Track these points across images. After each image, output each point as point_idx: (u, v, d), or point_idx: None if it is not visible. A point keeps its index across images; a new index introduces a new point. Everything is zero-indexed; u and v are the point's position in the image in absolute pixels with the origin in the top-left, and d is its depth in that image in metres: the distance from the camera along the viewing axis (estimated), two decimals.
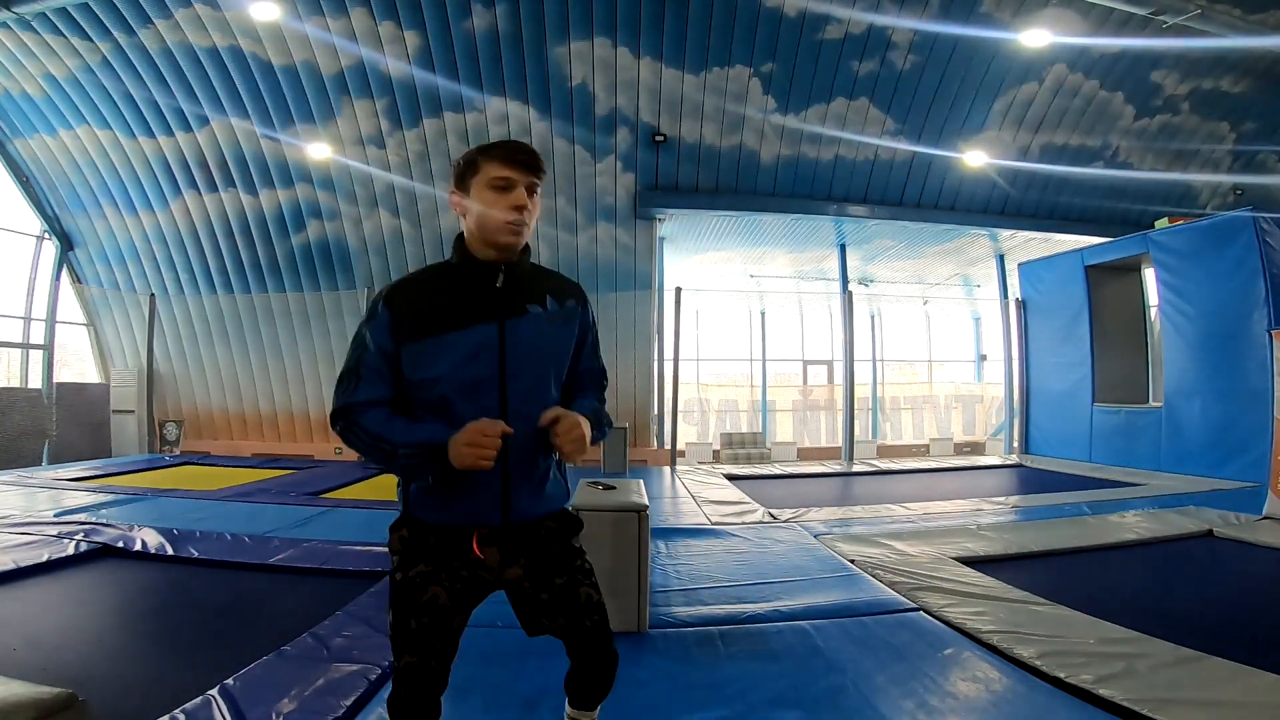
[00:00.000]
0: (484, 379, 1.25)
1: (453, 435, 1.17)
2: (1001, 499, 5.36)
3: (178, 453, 8.77)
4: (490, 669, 2.08)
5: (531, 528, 1.34)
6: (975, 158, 8.40)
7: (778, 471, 7.44)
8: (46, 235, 8.97)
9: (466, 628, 1.35)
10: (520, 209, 1.22)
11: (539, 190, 1.28)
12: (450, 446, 1.17)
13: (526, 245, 1.32)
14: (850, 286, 9.79)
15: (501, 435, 1.17)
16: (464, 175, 1.26)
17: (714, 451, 9.94)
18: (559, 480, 1.40)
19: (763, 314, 13.86)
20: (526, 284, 1.31)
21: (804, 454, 10.36)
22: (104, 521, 4.16)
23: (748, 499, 5.33)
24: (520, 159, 1.23)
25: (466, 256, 1.29)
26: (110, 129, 8.00)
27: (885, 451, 10.21)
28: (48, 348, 8.80)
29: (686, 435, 10.01)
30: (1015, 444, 8.76)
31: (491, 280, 1.27)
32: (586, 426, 1.26)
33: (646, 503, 2.54)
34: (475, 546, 1.28)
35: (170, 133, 7.91)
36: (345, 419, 1.26)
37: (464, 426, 1.17)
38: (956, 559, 3.35)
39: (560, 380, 1.36)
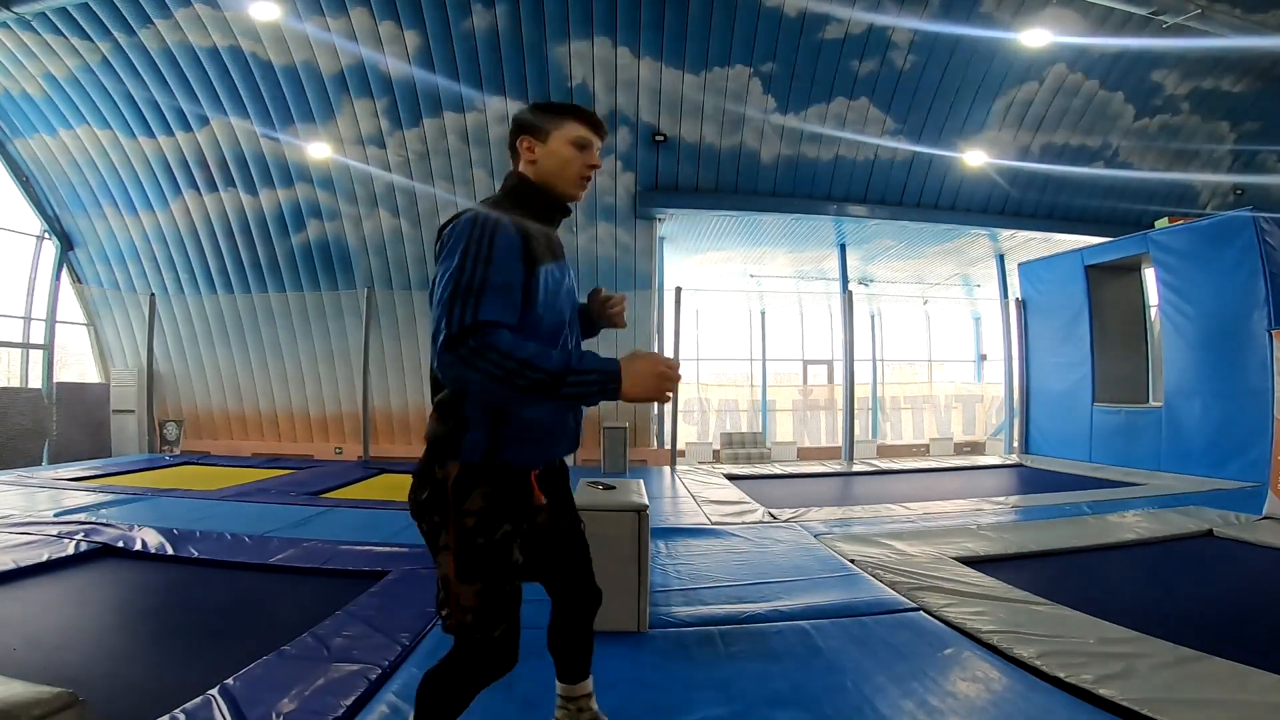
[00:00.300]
0: (571, 308, 1.36)
1: (623, 362, 1.13)
2: (1001, 499, 5.36)
3: (178, 452, 8.77)
4: None
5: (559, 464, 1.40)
6: (975, 157, 8.40)
7: (778, 471, 7.44)
8: (46, 235, 8.97)
9: None
10: (594, 166, 1.35)
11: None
12: (629, 375, 1.11)
13: None
14: (850, 286, 9.79)
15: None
16: (543, 126, 1.33)
17: (714, 451, 9.95)
18: None
19: (763, 314, 13.87)
20: None
21: (804, 454, 10.36)
22: (104, 521, 4.16)
23: (748, 499, 5.33)
24: (599, 127, 1.37)
25: (548, 196, 1.35)
26: (110, 129, 8.00)
27: (885, 451, 10.22)
28: (48, 348, 8.80)
29: (686, 435, 10.01)
30: (1015, 444, 8.76)
31: (558, 224, 1.40)
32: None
33: (646, 502, 2.54)
34: (536, 489, 1.29)
35: (170, 132, 7.92)
36: (475, 339, 1.08)
37: (634, 354, 1.14)
38: (956, 559, 3.35)
39: None
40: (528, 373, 1.08)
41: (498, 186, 1.39)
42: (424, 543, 1.30)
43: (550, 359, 1.10)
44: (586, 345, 1.50)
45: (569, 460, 1.51)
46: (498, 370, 1.08)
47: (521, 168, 1.36)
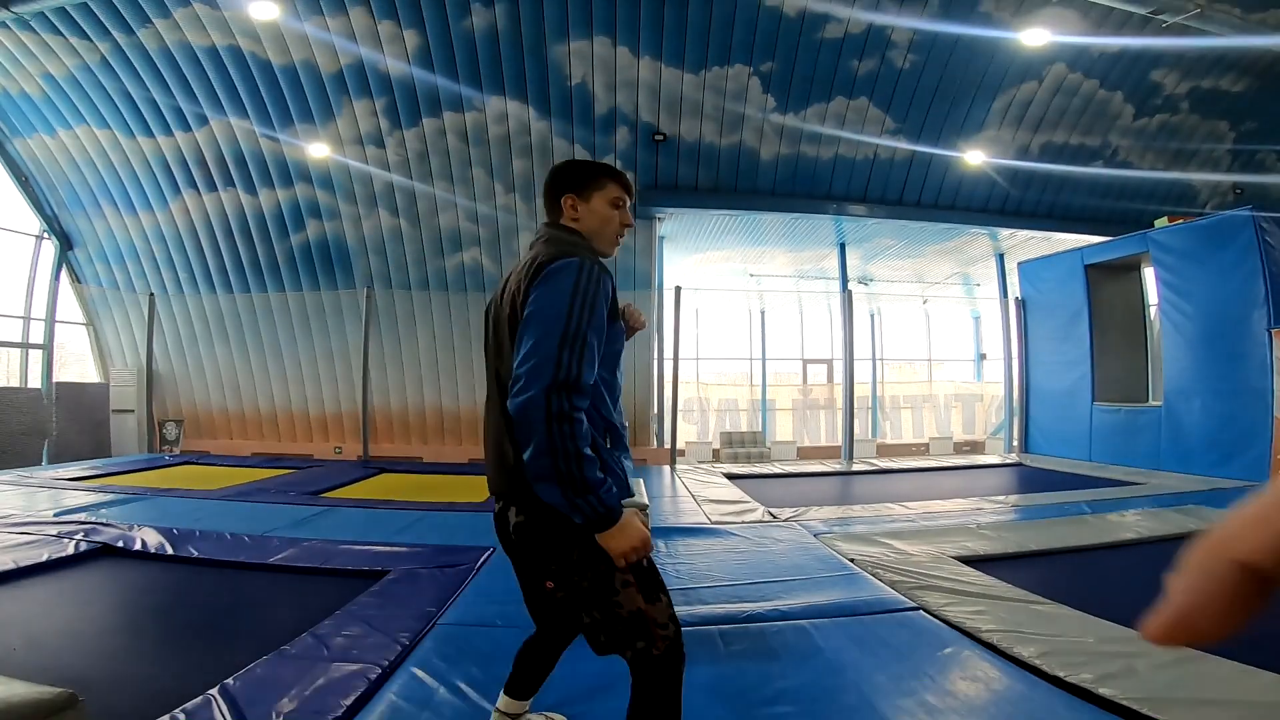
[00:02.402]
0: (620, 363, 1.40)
1: (625, 515, 1.20)
2: (1001, 498, 5.36)
3: (178, 452, 8.76)
4: (490, 668, 2.08)
5: None
6: (975, 157, 8.41)
7: (777, 470, 7.44)
8: (46, 235, 8.96)
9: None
10: (629, 226, 1.45)
11: None
12: (618, 527, 1.18)
13: None
14: (850, 285, 9.79)
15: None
16: (588, 186, 1.42)
17: (714, 450, 9.96)
18: None
19: (762, 313, 13.87)
20: None
21: (804, 453, 10.37)
22: (104, 521, 4.16)
23: (747, 498, 5.33)
24: (631, 187, 1.46)
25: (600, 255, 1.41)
26: (109, 128, 7.99)
27: (885, 450, 10.22)
28: (47, 347, 8.79)
29: (686, 434, 10.02)
30: (1015, 443, 8.76)
31: None
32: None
33: (646, 502, 2.54)
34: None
35: (169, 132, 7.91)
36: (572, 399, 1.13)
37: (630, 519, 1.20)
38: (956, 558, 3.35)
39: None
40: (573, 465, 1.12)
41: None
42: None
43: (594, 471, 1.15)
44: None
45: None
46: (560, 442, 1.12)
47: (564, 221, 1.42)
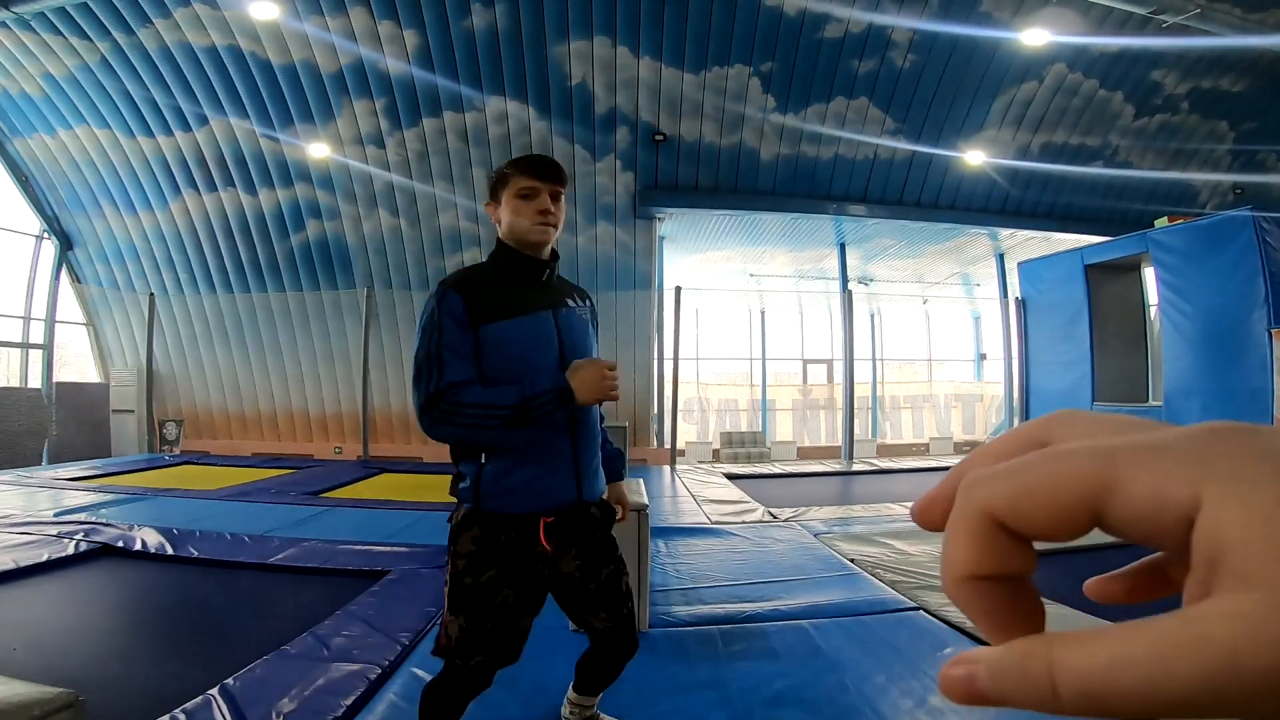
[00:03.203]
0: (551, 359, 1.39)
1: (569, 375, 1.30)
2: None
3: (178, 452, 8.77)
4: None
5: (583, 513, 1.43)
6: (975, 157, 8.40)
7: (777, 470, 7.44)
8: (46, 235, 8.97)
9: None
10: (544, 212, 1.37)
11: (562, 196, 1.43)
12: (578, 385, 1.29)
13: (556, 253, 1.47)
14: (850, 285, 9.79)
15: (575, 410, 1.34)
16: (496, 188, 1.42)
17: (714, 451, 9.96)
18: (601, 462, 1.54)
19: (762, 313, 13.86)
20: (559, 283, 1.49)
21: (804, 453, 10.38)
22: (104, 521, 4.16)
23: (747, 498, 5.33)
24: (543, 171, 1.38)
25: (516, 255, 1.41)
26: (109, 128, 8.00)
27: (885, 450, 10.22)
28: (47, 347, 8.80)
29: (686, 434, 10.02)
30: None
31: (539, 275, 1.42)
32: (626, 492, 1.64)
33: (646, 502, 2.54)
34: (542, 537, 1.34)
35: (169, 132, 7.91)
36: (445, 401, 1.26)
37: (575, 366, 1.32)
38: None
39: None
40: (496, 413, 1.25)
41: None
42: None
43: (508, 395, 1.26)
44: None
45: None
46: (471, 421, 1.25)
47: (499, 231, 1.45)
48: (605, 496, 1.60)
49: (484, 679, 1.36)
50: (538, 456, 1.33)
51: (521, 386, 1.27)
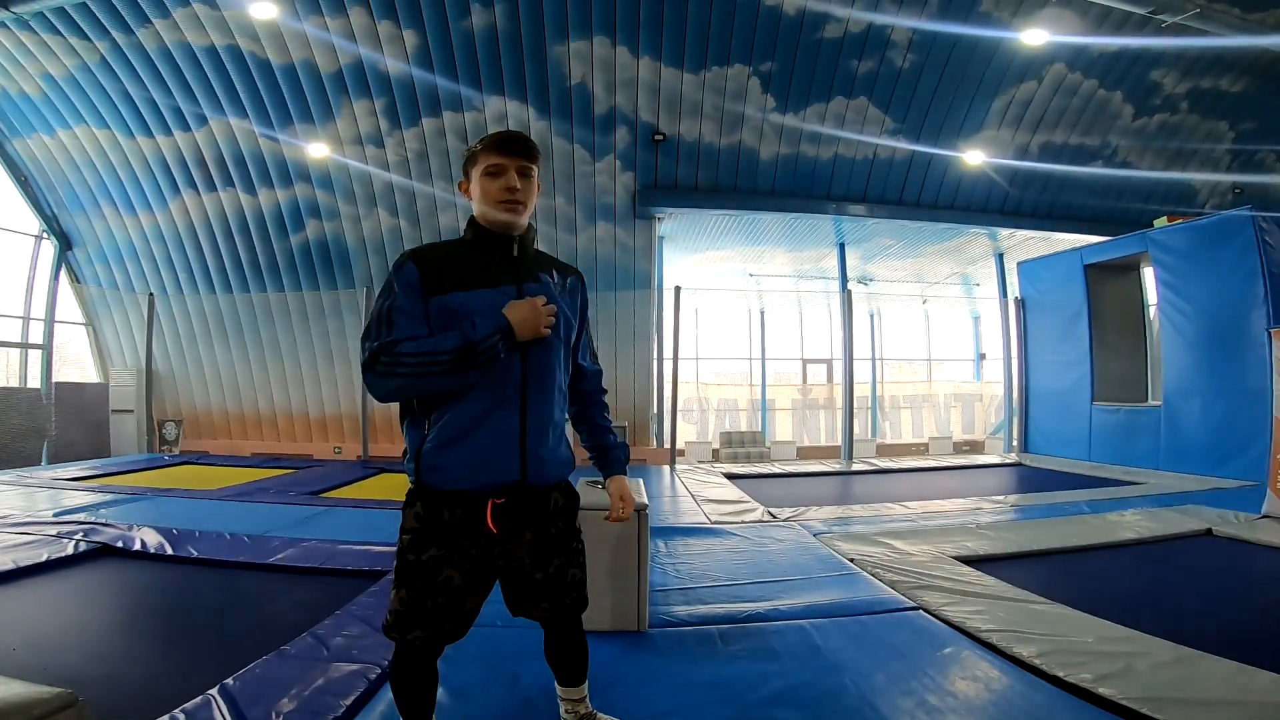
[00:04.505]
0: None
1: (507, 314, 1.31)
2: (1001, 498, 5.36)
3: (177, 452, 8.76)
4: (490, 669, 2.08)
5: (541, 497, 1.41)
6: (974, 156, 8.41)
7: (777, 470, 7.44)
8: (45, 235, 8.96)
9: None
10: (511, 189, 1.36)
11: (533, 173, 1.41)
12: (516, 323, 1.31)
13: (533, 228, 1.46)
14: (849, 285, 9.79)
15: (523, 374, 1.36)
16: (466, 167, 1.43)
17: (713, 450, 9.96)
18: (567, 444, 1.49)
19: (762, 313, 13.87)
20: (535, 257, 1.48)
21: (803, 453, 10.38)
22: (104, 521, 4.16)
23: (747, 498, 5.33)
24: (509, 147, 1.37)
25: (485, 232, 1.41)
26: (109, 128, 7.99)
27: (884, 450, 10.23)
28: (46, 347, 8.79)
29: (686, 434, 10.03)
30: (1014, 443, 8.76)
31: (508, 250, 1.41)
32: (628, 487, 1.61)
33: (646, 502, 2.54)
34: (489, 519, 1.32)
35: (169, 132, 7.90)
36: (386, 354, 1.27)
37: (512, 305, 1.33)
38: (955, 558, 3.35)
39: (568, 346, 1.48)
40: (440, 358, 1.26)
41: None
42: None
43: (449, 340, 1.27)
44: None
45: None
46: (413, 370, 1.26)
47: (474, 210, 1.46)
48: (606, 489, 1.60)
49: (427, 655, 1.35)
50: (484, 433, 1.31)
51: (463, 330, 1.28)
